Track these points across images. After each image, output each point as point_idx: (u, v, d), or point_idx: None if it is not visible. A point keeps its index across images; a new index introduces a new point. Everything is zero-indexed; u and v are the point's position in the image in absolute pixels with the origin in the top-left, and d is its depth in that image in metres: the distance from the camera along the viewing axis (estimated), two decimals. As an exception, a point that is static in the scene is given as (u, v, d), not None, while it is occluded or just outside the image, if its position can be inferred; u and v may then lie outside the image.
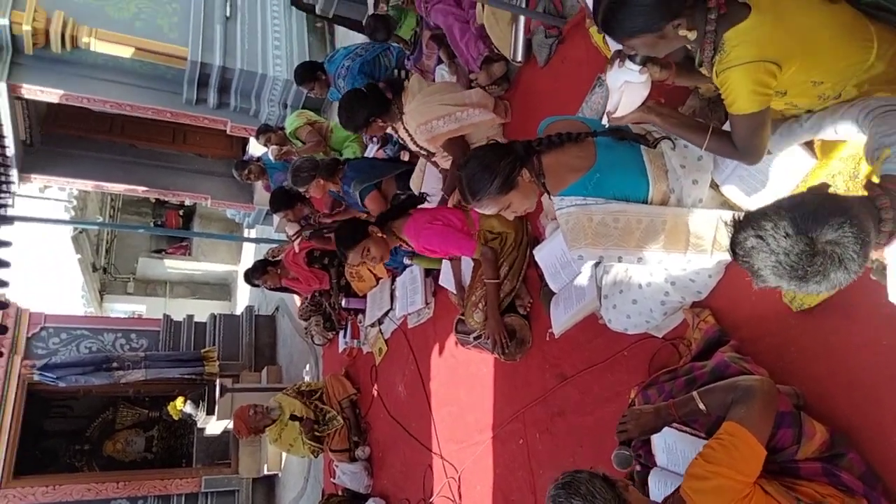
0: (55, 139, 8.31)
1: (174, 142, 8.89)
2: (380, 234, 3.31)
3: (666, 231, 1.96)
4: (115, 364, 7.58)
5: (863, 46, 1.58)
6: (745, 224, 1.24)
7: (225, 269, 13.90)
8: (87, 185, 8.57)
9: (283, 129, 6.35)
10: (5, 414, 7.04)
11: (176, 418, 7.48)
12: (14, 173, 7.49)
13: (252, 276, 5.59)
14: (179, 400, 7.32)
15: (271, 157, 6.19)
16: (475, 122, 3.29)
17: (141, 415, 9.58)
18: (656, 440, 2.04)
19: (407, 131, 3.51)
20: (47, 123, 8.22)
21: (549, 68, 3.38)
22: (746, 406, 1.62)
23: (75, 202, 10.16)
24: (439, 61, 4.26)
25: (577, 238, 1.98)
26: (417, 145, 3.55)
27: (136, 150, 8.88)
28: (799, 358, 1.98)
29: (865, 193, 1.32)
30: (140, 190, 8.73)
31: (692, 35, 1.55)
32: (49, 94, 6.92)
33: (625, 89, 1.74)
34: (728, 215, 2.01)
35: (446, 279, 3.83)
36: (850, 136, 1.66)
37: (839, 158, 1.81)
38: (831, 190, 1.56)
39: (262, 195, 8.09)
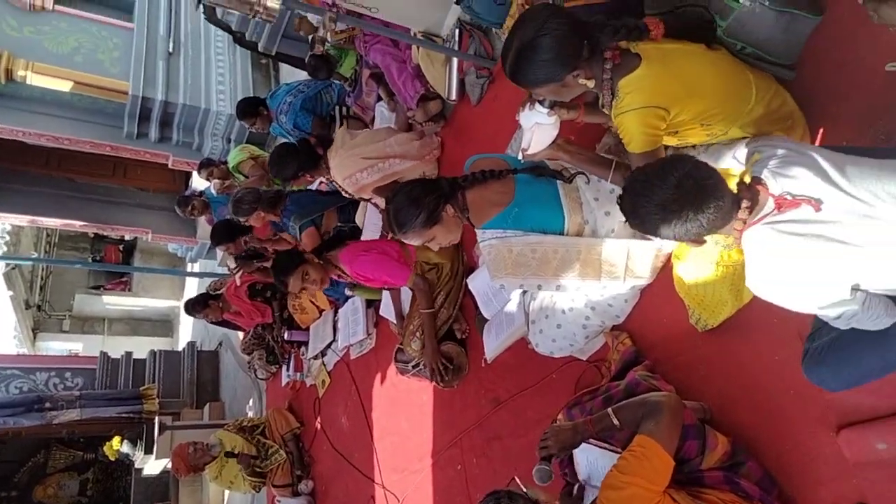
0: (-13, 172, 8.09)
1: (114, 175, 8.74)
2: (316, 260, 3.39)
3: (580, 260, 2.10)
4: (47, 404, 7.32)
5: (744, 92, 1.78)
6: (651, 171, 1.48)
7: (167, 305, 13.57)
8: (22, 219, 8.33)
9: (225, 163, 6.37)
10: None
11: (112, 459, 7.24)
12: (-57, 207, 7.26)
13: (193, 308, 5.53)
14: (116, 440, 7.11)
15: (213, 192, 6.18)
16: (397, 171, 3.45)
17: (75, 457, 9.21)
18: (579, 457, 2.16)
19: (336, 182, 3.64)
20: (-21, 156, 8.00)
21: (481, 106, 3.56)
22: (655, 420, 1.75)
23: (7, 237, 9.83)
24: (379, 98, 4.41)
25: (498, 268, 2.11)
26: (349, 193, 3.67)
27: (73, 184, 8.70)
28: (706, 374, 2.14)
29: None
30: (77, 224, 8.54)
31: (591, 83, 1.72)
32: (-18, 127, 6.77)
33: (535, 129, 1.89)
34: (636, 245, 2.18)
35: (387, 310, 3.91)
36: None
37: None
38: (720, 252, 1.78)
39: (204, 229, 8.02)
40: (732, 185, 2.00)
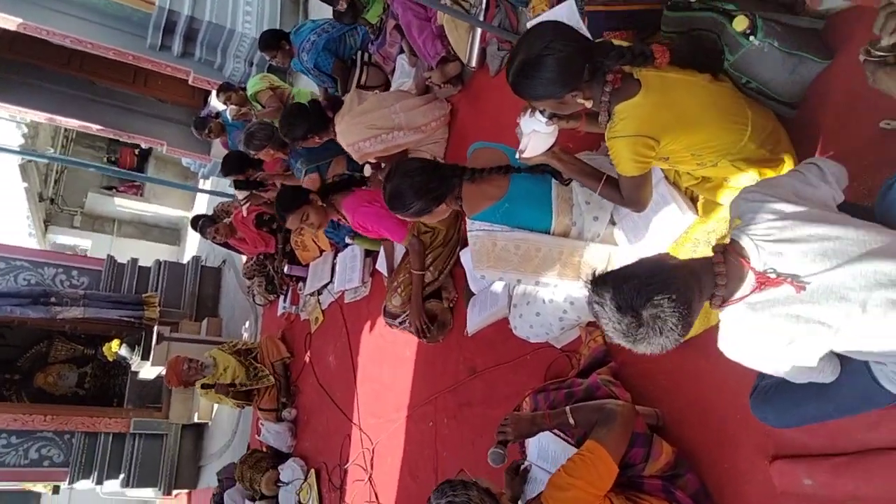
0: (8, 64, 8.08)
1: (134, 83, 8.73)
2: (320, 203, 3.46)
3: (561, 261, 2.19)
4: (52, 299, 7.55)
5: (738, 129, 1.81)
6: (592, 288, 1.41)
7: (176, 214, 13.74)
8: (40, 116, 8.38)
9: (244, 88, 6.37)
10: (-66, 337, 6.99)
11: (111, 360, 7.53)
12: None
13: (202, 226, 5.69)
14: (115, 342, 7.38)
15: (229, 117, 6.22)
16: (400, 143, 3.47)
17: (76, 350, 9.54)
18: (533, 443, 2.32)
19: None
20: (1, 48, 7.98)
21: (499, 78, 3.56)
22: (607, 428, 1.88)
23: (26, 129, 9.90)
24: (401, 50, 4.39)
25: (480, 260, 2.20)
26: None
27: (93, 87, 8.70)
28: (664, 384, 2.26)
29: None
30: (94, 128, 8.58)
31: (589, 103, 1.76)
32: (7, 21, 6.74)
33: (533, 136, 1.95)
34: (618, 252, 2.26)
35: (382, 264, 4.02)
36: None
37: (716, 219, 2.06)
38: (681, 254, 1.82)
39: (219, 148, 8.07)
40: (715, 216, 2.07)
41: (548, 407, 2.28)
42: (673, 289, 1.31)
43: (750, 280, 1.36)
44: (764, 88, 1.90)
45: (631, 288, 1.31)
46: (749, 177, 1.90)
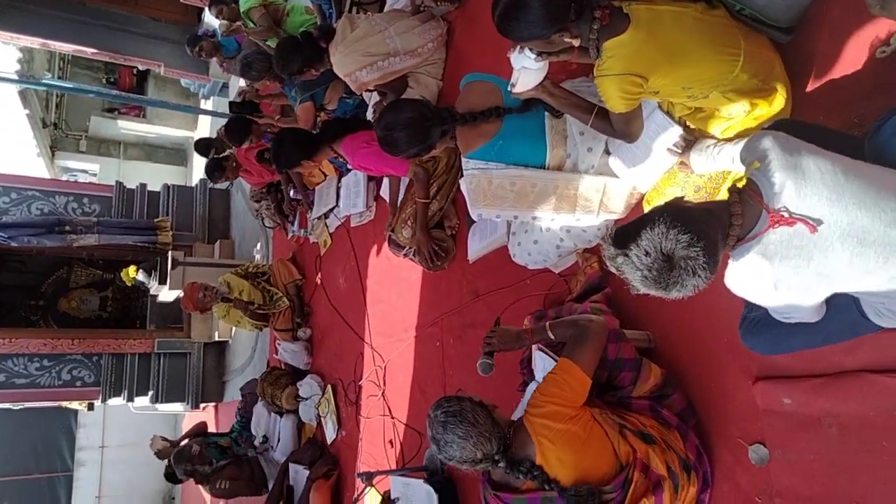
0: (-3, -11, 7.86)
1: (126, 2, 8.47)
2: (311, 162, 3.49)
3: (557, 194, 2.23)
4: (67, 227, 7.67)
5: (730, 60, 1.79)
6: (614, 243, 1.42)
7: (180, 134, 13.66)
8: (34, 42, 8.23)
9: (237, 3, 6.19)
10: (-43, 267, 7.20)
11: (129, 285, 7.74)
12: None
13: (211, 173, 5.73)
14: (132, 268, 7.55)
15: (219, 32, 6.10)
16: (397, 69, 3.40)
17: (95, 276, 9.80)
18: (537, 361, 2.44)
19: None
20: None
21: (495, -4, 3.45)
22: (579, 344, 1.99)
23: (21, 54, 9.72)
24: (395, -33, 4.23)
25: (476, 199, 2.24)
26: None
27: (85, 8, 8.45)
28: (657, 308, 2.33)
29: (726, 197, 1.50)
30: (89, 52, 8.43)
31: (576, 42, 1.74)
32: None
33: (522, 72, 1.93)
34: (613, 182, 2.29)
35: (387, 191, 4.05)
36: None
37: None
38: (691, 197, 1.85)
39: (217, 68, 7.93)
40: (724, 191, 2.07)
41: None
42: (697, 228, 1.32)
43: (764, 219, 1.37)
44: (758, 15, 1.85)
45: (657, 234, 1.32)
46: (740, 107, 1.89)
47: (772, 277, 1.39)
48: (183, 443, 5.59)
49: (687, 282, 1.34)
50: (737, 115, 1.93)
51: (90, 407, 9.44)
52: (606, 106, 1.85)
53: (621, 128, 1.93)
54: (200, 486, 5.33)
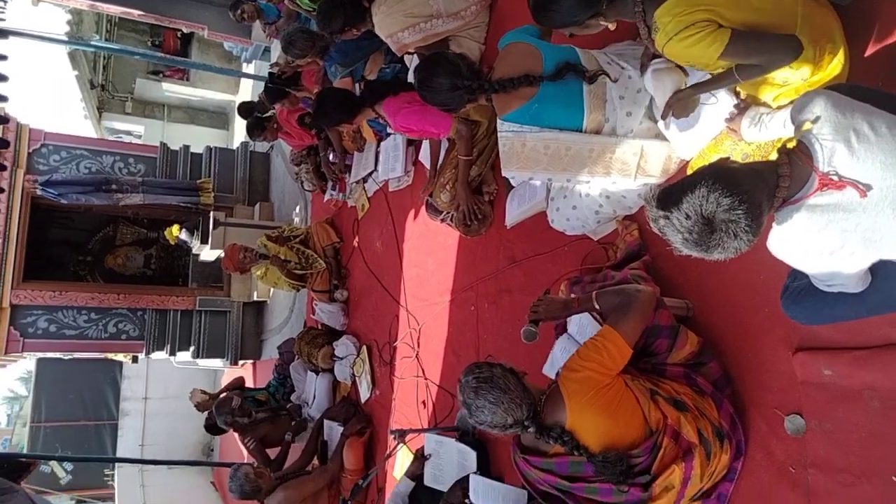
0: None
1: (171, -38, 8.52)
2: (351, 123, 3.50)
3: (592, 158, 2.20)
4: (113, 186, 7.90)
5: (787, 27, 1.72)
6: (656, 204, 1.40)
7: (223, 98, 13.81)
8: (83, 3, 8.34)
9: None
10: (11, 222, 7.42)
11: (172, 244, 7.94)
12: (6, -16, 7.32)
13: (251, 131, 5.80)
14: (175, 227, 7.74)
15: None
16: (439, 31, 3.36)
17: (140, 234, 10.06)
18: (574, 317, 2.46)
19: (380, 37, 3.61)
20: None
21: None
22: (624, 314, 1.98)
23: (70, 16, 9.90)
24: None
25: (509, 161, 2.23)
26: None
27: (132, -31, 8.54)
28: (697, 277, 2.32)
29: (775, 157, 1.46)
30: (135, 13, 8.52)
31: (612, 25, 1.72)
32: None
33: (658, 92, 1.91)
34: (650, 145, 2.25)
35: (425, 155, 4.05)
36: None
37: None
38: (736, 157, 1.81)
39: (259, 31, 7.96)
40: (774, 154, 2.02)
41: (582, 297, 2.39)
42: (741, 190, 1.30)
43: (812, 182, 1.34)
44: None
45: (699, 196, 1.31)
46: (795, 73, 1.83)
47: (816, 241, 1.37)
48: (222, 395, 5.77)
49: (728, 244, 1.32)
50: (792, 81, 1.87)
51: (134, 360, 9.78)
52: (711, 64, 1.76)
53: (755, 57, 1.74)
54: (237, 436, 5.51)
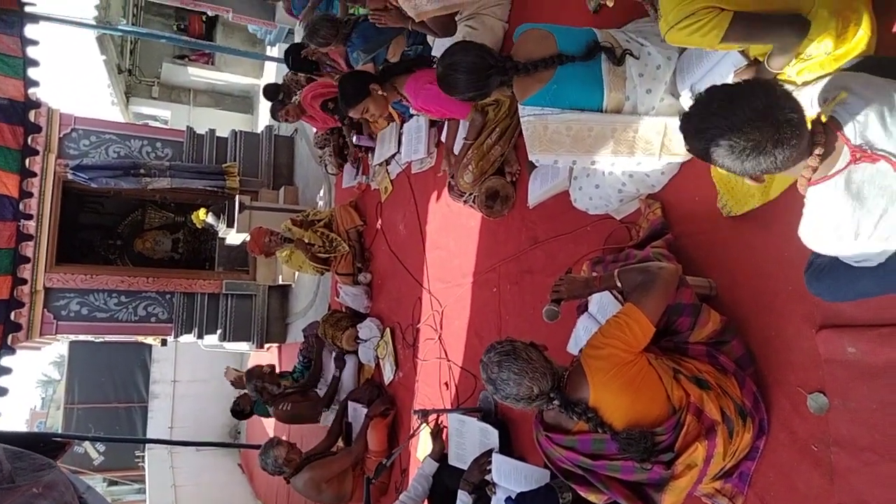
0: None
1: (196, -54, 8.58)
2: (380, 93, 3.49)
3: (615, 137, 2.19)
4: (142, 170, 8.02)
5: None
6: (718, 107, 1.35)
7: (247, 82, 13.91)
8: (110, -13, 8.49)
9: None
10: (44, 206, 7.58)
11: (199, 227, 8.06)
12: (36, -29, 7.42)
13: (273, 109, 5.85)
14: (202, 211, 7.86)
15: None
16: (458, 2, 3.33)
17: (168, 218, 10.24)
18: (596, 296, 2.47)
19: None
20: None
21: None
22: (646, 291, 1.97)
23: (98, 1, 10.02)
24: None
25: (533, 145, 2.23)
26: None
27: (157, -47, 8.63)
28: (720, 255, 2.31)
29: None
30: (162, -3, 8.64)
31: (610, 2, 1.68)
32: None
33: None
34: (674, 122, 2.23)
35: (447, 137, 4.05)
36: None
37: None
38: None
39: (283, 14, 8.00)
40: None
41: (602, 276, 2.39)
42: (802, 133, 1.31)
43: (845, 155, 1.33)
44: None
45: (761, 94, 1.30)
46: (819, 46, 1.80)
47: (850, 220, 1.34)
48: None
49: (779, 152, 1.30)
50: (816, 55, 1.84)
51: (163, 343, 9.98)
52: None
53: (757, 37, 1.75)
54: (262, 418, 5.63)
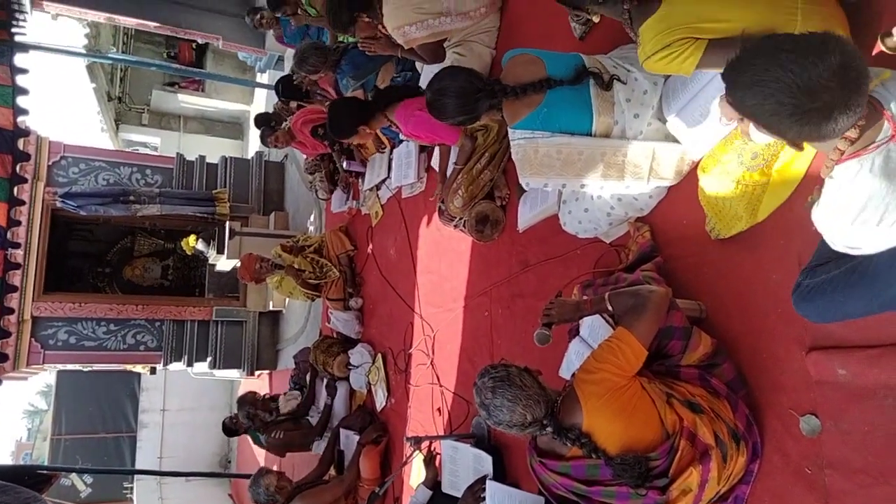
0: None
1: (185, -24, 8.65)
2: (368, 131, 3.53)
3: (605, 161, 2.21)
4: (131, 197, 8.00)
5: (785, 16, 1.72)
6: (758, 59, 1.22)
7: (238, 108, 13.97)
8: (100, 16, 8.49)
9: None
10: (32, 234, 7.52)
11: (189, 254, 8.02)
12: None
13: (263, 135, 5.86)
14: (192, 237, 7.83)
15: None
16: (447, 29, 3.37)
17: (157, 245, 10.19)
18: (587, 320, 2.47)
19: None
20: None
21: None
22: (638, 315, 1.97)
23: (88, 30, 10.08)
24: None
25: (523, 168, 2.25)
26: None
27: (147, -18, 8.68)
28: (709, 278, 2.32)
29: None
30: (152, 25, 8.66)
31: (596, 19, 1.72)
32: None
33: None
34: (662, 147, 2.26)
35: (438, 162, 4.07)
36: None
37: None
38: (748, 164, 1.80)
39: (273, 41, 8.05)
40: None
41: (593, 300, 2.40)
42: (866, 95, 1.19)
43: (886, 130, 1.25)
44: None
45: (836, 49, 1.16)
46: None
47: (881, 202, 1.26)
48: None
49: (837, 118, 1.17)
50: None
51: (152, 371, 9.87)
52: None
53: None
54: (255, 446, 5.54)
